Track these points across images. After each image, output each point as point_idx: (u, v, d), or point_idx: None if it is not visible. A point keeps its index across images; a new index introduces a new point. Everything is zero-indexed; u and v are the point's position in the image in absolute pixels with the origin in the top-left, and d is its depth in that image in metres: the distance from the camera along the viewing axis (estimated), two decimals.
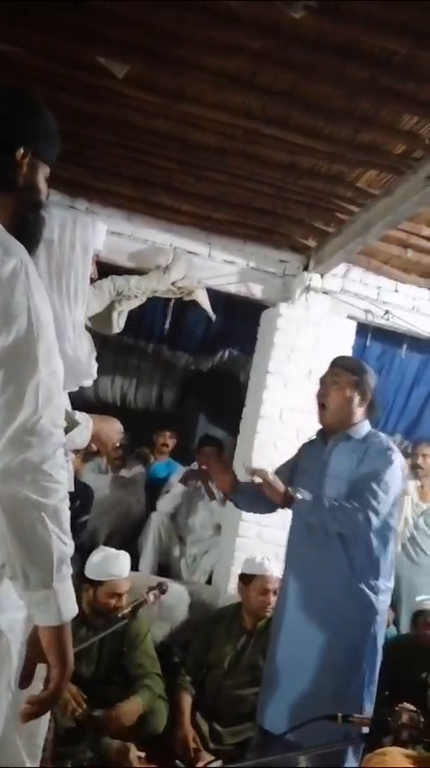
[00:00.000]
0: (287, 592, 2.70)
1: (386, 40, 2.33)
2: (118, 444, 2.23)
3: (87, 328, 4.22)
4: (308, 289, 4.21)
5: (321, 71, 2.54)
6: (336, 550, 2.55)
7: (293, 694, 2.54)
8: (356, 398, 2.68)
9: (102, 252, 2.27)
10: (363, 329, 4.44)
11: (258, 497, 2.68)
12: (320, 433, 2.80)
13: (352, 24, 2.27)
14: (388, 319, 4.37)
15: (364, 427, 2.70)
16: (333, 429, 2.72)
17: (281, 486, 2.57)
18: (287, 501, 2.56)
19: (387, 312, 4.35)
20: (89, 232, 1.99)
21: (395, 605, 4.18)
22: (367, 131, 2.89)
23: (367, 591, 2.52)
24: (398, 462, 2.61)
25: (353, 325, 4.37)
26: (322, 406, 2.72)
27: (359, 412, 2.70)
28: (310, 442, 2.87)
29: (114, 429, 2.20)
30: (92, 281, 2.29)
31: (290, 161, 3.29)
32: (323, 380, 2.76)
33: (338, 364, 2.79)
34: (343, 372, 2.71)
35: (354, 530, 2.51)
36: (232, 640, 3.36)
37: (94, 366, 2.17)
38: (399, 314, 4.38)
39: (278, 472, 2.78)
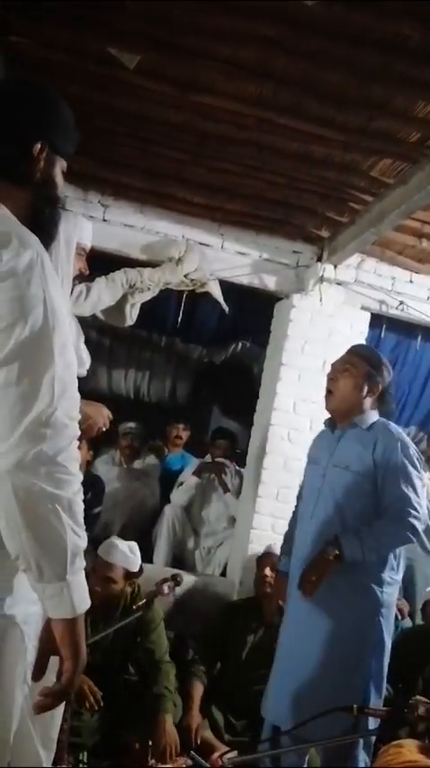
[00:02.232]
0: (293, 584, 2.70)
1: (399, 26, 2.29)
2: (104, 429, 2.27)
3: (101, 321, 4.26)
4: (321, 280, 4.19)
5: (334, 59, 2.52)
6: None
7: (295, 686, 2.55)
8: (365, 389, 2.67)
9: (88, 247, 2.32)
10: (378, 320, 4.41)
11: None
12: (328, 423, 2.80)
13: (364, 10, 2.24)
14: (402, 310, 4.33)
15: (372, 416, 2.69)
16: (339, 416, 2.72)
17: (321, 555, 2.51)
18: (340, 556, 2.48)
19: (401, 303, 4.32)
20: (71, 226, 2.09)
21: (410, 598, 4.17)
22: (381, 119, 2.86)
23: (371, 583, 2.52)
24: (412, 449, 2.60)
25: (368, 316, 4.34)
26: (330, 392, 2.72)
27: (367, 402, 2.69)
28: (319, 434, 2.88)
29: (100, 413, 2.24)
30: (83, 276, 2.34)
31: (303, 151, 3.26)
32: (335, 366, 2.76)
33: (356, 352, 2.77)
34: (358, 361, 2.70)
35: (405, 543, 2.54)
36: (251, 633, 3.38)
37: (85, 351, 2.19)
38: (414, 305, 4.34)
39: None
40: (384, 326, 4.46)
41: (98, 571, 3.08)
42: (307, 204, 3.87)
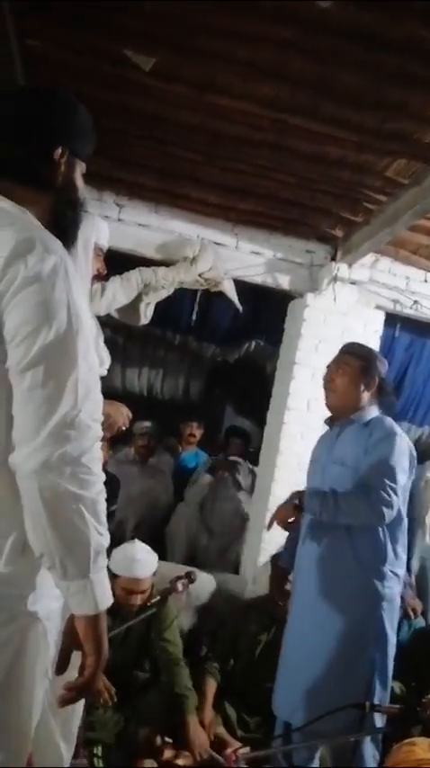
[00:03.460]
0: (297, 580, 2.77)
1: (414, 28, 2.30)
2: (124, 428, 2.29)
3: (115, 319, 4.27)
4: (335, 279, 4.19)
5: (349, 60, 2.52)
6: (340, 537, 2.58)
7: (300, 681, 2.58)
8: (362, 384, 2.72)
9: (105, 247, 2.33)
10: (392, 319, 4.41)
11: None
12: (328, 421, 2.86)
13: (379, 12, 2.25)
14: (416, 309, 4.33)
15: (370, 412, 2.72)
16: (339, 414, 2.77)
17: (285, 502, 2.71)
18: (300, 507, 2.65)
19: (415, 302, 4.32)
20: (89, 226, 2.09)
21: (424, 597, 4.17)
22: (395, 120, 2.86)
23: (372, 577, 2.54)
24: (404, 446, 2.60)
25: (382, 315, 4.34)
26: (328, 391, 2.78)
27: (365, 397, 2.73)
28: (322, 434, 2.94)
29: (120, 413, 2.26)
30: (101, 276, 2.36)
31: (317, 151, 3.27)
32: (330, 366, 2.82)
33: (347, 351, 2.83)
34: (350, 358, 2.76)
35: (366, 522, 2.54)
36: (264, 631, 3.39)
37: (104, 350, 2.21)
38: (428, 304, 4.34)
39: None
40: (398, 326, 4.46)
41: (124, 589, 3.07)
42: (321, 204, 3.88)
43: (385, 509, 2.47)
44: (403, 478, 2.55)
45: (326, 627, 2.55)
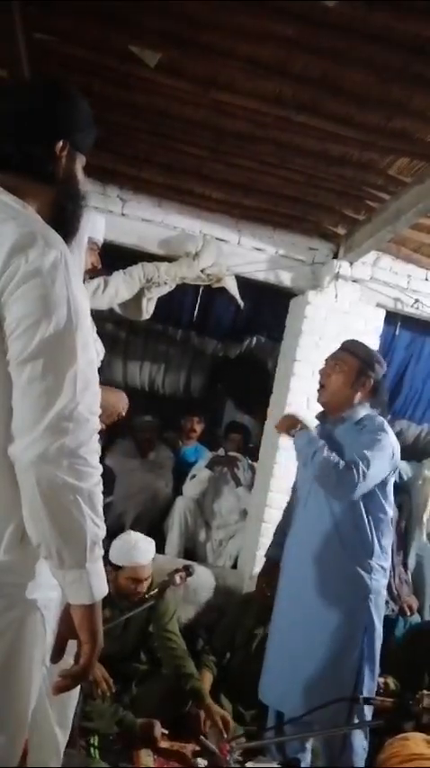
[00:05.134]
0: (284, 570, 2.80)
1: (419, 27, 2.31)
2: (123, 413, 2.30)
3: (118, 314, 4.27)
4: (337, 277, 4.20)
5: (353, 58, 2.53)
6: (327, 529, 2.62)
7: (289, 668, 2.62)
8: (355, 384, 2.74)
9: (101, 241, 2.34)
10: (393, 317, 4.42)
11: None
12: (320, 417, 2.88)
13: (384, 11, 2.26)
14: (417, 308, 4.34)
15: (362, 410, 2.74)
16: (330, 410, 2.80)
17: (296, 416, 2.81)
18: (291, 429, 2.74)
19: (417, 300, 4.33)
20: (83, 220, 2.09)
21: (420, 594, 4.19)
22: (399, 119, 2.87)
23: (359, 570, 2.58)
24: (386, 444, 2.63)
25: (383, 313, 4.35)
26: (322, 386, 2.79)
27: (357, 396, 2.75)
28: (314, 429, 2.94)
29: (119, 400, 2.27)
30: (96, 270, 2.36)
31: (320, 148, 3.28)
32: (327, 361, 2.84)
33: (346, 348, 2.83)
34: (348, 356, 2.77)
35: (324, 487, 2.60)
36: (260, 625, 3.42)
37: (99, 343, 2.22)
38: (429, 302, 4.35)
39: None
40: (399, 324, 4.47)
41: (130, 578, 3.10)
42: (324, 201, 3.89)
43: (347, 488, 2.52)
44: (377, 472, 2.58)
45: (315, 617, 2.58)
